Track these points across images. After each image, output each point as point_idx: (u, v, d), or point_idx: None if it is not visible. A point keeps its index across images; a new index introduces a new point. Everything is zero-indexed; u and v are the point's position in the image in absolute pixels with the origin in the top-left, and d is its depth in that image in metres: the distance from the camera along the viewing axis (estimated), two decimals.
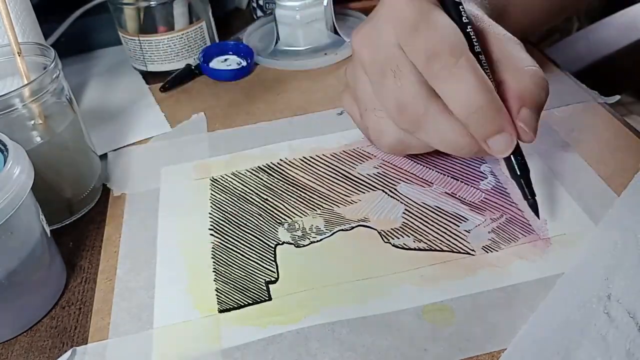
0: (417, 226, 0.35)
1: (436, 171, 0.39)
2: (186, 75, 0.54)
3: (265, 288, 0.33)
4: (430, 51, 0.31)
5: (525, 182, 0.33)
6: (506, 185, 0.37)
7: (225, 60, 0.55)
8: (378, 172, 0.40)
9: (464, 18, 0.33)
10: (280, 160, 0.42)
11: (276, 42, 0.57)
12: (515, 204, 0.36)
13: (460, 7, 0.33)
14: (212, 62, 0.55)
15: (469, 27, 0.33)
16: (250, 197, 0.39)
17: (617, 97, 0.43)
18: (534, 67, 0.33)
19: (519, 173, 0.33)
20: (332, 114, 0.46)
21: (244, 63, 0.54)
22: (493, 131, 0.31)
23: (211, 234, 0.37)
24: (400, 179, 0.39)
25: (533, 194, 0.33)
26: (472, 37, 0.33)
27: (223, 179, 0.41)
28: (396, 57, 0.33)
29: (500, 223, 0.35)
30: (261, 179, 0.41)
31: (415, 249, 0.34)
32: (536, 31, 0.53)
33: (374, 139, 0.37)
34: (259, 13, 0.63)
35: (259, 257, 0.35)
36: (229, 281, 0.34)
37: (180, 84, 0.53)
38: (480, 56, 0.32)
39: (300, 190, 0.39)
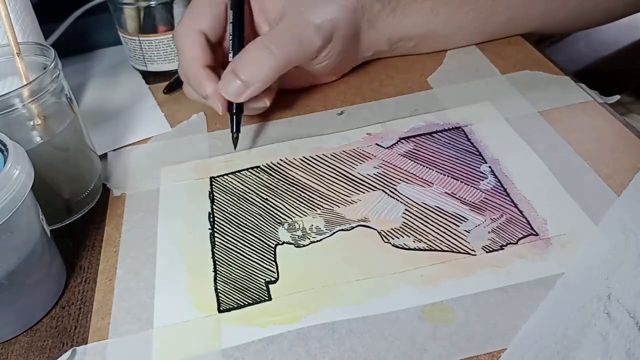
0: (417, 226, 0.35)
1: (436, 171, 0.39)
2: None
3: (265, 288, 0.33)
4: (179, 25, 0.44)
5: (236, 124, 0.43)
6: (506, 185, 0.37)
7: None
8: (378, 172, 0.40)
9: None
10: (280, 160, 0.42)
11: None
12: (515, 204, 0.36)
13: None
14: None
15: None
16: (250, 197, 0.39)
17: (617, 97, 0.43)
18: (268, 47, 0.40)
19: (234, 126, 0.43)
20: (332, 114, 0.46)
21: None
22: (203, 95, 0.42)
23: (211, 234, 0.37)
24: (400, 179, 0.39)
25: (238, 130, 0.43)
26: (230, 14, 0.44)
27: (223, 179, 0.41)
28: None
29: (500, 223, 0.35)
30: (261, 179, 0.41)
31: (415, 249, 0.34)
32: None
33: None
34: None
35: (259, 257, 0.35)
36: (229, 281, 0.34)
37: (182, 86, 0.53)
38: (237, 28, 0.43)
39: (300, 190, 0.39)
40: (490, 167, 0.39)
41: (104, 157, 0.45)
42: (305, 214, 0.37)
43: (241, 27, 0.43)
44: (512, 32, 0.51)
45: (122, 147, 0.46)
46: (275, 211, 0.38)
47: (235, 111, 0.42)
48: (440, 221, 0.36)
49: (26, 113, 0.36)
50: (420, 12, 0.46)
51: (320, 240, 0.35)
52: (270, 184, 0.40)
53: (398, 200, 0.37)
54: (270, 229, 0.37)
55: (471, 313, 0.30)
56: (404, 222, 0.36)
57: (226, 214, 0.38)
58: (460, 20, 0.48)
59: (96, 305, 0.33)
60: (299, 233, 0.36)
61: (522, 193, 0.37)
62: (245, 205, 0.39)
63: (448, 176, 0.39)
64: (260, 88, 0.41)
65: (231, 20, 0.43)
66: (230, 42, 0.43)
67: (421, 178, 0.39)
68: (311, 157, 0.42)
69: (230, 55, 0.43)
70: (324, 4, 0.43)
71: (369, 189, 0.39)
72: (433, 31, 0.48)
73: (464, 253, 0.33)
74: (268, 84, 0.41)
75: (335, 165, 0.41)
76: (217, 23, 0.43)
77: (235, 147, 0.43)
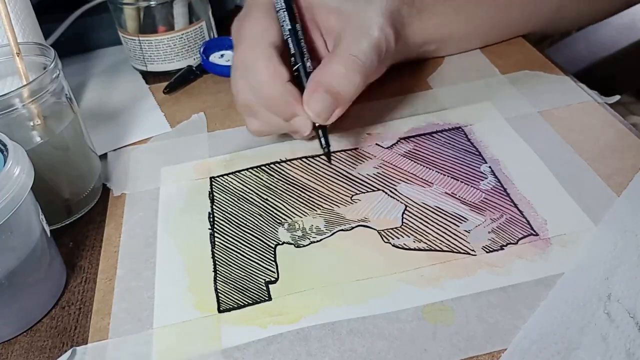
0: (417, 226, 0.35)
1: (436, 171, 0.39)
2: (188, 76, 0.54)
3: (265, 288, 0.33)
4: (241, 44, 0.37)
5: (325, 137, 0.38)
6: (506, 185, 0.37)
7: (222, 56, 0.55)
8: (378, 172, 0.40)
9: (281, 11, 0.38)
10: (280, 160, 0.42)
11: None
12: (515, 204, 0.36)
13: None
14: (210, 57, 0.55)
15: (284, 20, 0.38)
16: (250, 197, 0.39)
17: (617, 97, 0.43)
18: (354, 56, 0.36)
19: (325, 141, 0.38)
20: None
21: None
22: (289, 116, 0.36)
23: (211, 234, 0.37)
24: (400, 179, 0.39)
25: (329, 143, 0.38)
26: (285, 28, 0.38)
27: (223, 179, 0.41)
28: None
29: (500, 223, 0.35)
30: (261, 179, 0.41)
31: (415, 249, 0.34)
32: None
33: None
34: None
35: (259, 257, 0.35)
36: (229, 281, 0.34)
37: (182, 86, 0.53)
38: (300, 44, 0.38)
39: (300, 190, 0.39)
40: (490, 167, 0.39)
41: (104, 157, 0.45)
42: (305, 214, 0.37)
43: (299, 37, 0.38)
44: (524, 30, 0.52)
45: (122, 147, 0.46)
46: (275, 211, 0.38)
47: (319, 125, 0.37)
48: (440, 221, 0.36)
49: (26, 113, 0.36)
50: (444, 12, 0.46)
51: (320, 240, 0.35)
52: (270, 184, 0.40)
53: (398, 200, 0.37)
54: (270, 229, 0.37)
55: (471, 313, 0.30)
56: (404, 222, 0.36)
57: (226, 214, 0.38)
58: (478, 19, 0.48)
59: (96, 305, 0.33)
60: (299, 233, 0.36)
61: (522, 193, 0.37)
62: (245, 205, 0.39)
63: (448, 176, 0.39)
64: (348, 104, 0.37)
65: (287, 32, 0.38)
66: (292, 54, 0.38)
67: (421, 178, 0.39)
68: (311, 157, 0.42)
69: (301, 68, 0.38)
70: (373, 15, 0.39)
71: (369, 189, 0.39)
72: (454, 33, 0.49)
73: (464, 253, 0.33)
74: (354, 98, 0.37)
75: (335, 165, 0.41)
76: (281, 34, 0.38)
77: (330, 160, 0.39)
